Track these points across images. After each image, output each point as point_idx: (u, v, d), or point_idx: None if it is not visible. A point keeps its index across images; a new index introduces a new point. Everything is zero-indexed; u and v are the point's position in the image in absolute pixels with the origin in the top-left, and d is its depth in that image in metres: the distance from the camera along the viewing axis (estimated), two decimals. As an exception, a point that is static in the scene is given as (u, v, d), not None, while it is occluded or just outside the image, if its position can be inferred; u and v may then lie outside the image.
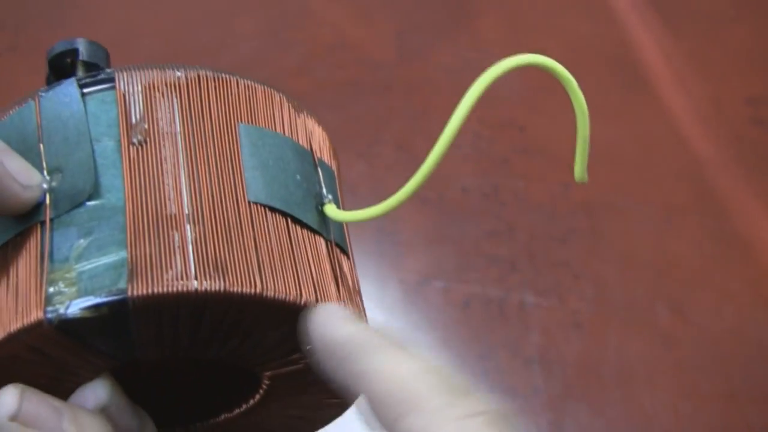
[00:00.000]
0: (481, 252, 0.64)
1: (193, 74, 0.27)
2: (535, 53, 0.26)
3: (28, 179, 0.25)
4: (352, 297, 0.28)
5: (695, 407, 0.58)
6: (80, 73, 0.29)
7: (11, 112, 0.27)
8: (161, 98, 0.26)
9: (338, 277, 0.27)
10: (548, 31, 0.80)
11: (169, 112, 0.26)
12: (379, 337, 0.24)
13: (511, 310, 0.61)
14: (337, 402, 0.30)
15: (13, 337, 0.23)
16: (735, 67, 0.78)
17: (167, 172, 0.25)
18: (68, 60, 0.29)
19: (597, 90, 0.76)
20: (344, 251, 0.28)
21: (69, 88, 0.26)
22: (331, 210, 0.27)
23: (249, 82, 0.28)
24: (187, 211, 0.24)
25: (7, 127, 0.26)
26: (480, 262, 0.64)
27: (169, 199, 0.25)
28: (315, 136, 0.30)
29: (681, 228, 0.67)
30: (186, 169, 0.25)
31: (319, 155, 0.29)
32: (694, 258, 0.65)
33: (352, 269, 0.29)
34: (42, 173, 0.25)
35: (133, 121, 0.26)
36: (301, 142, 0.28)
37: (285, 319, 0.25)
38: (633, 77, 0.77)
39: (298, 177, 0.27)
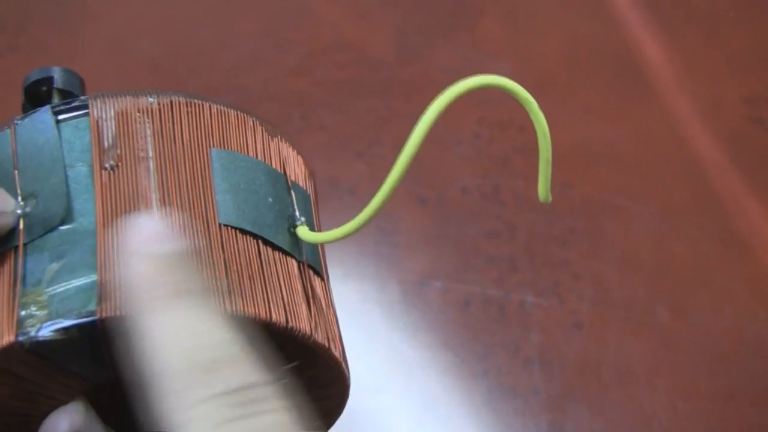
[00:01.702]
0: (481, 252, 0.64)
1: (165, 100, 0.27)
2: (494, 75, 0.26)
3: (2, 206, 0.25)
4: (325, 317, 0.28)
5: (695, 407, 0.58)
6: (55, 100, 0.30)
7: None
8: (134, 124, 0.27)
9: (309, 297, 0.27)
10: (548, 31, 0.80)
11: (142, 138, 0.26)
12: (155, 287, 0.22)
13: (511, 311, 0.61)
14: (318, 424, 0.30)
15: None
16: (734, 67, 0.78)
17: (139, 196, 0.25)
18: (44, 88, 0.30)
19: (597, 90, 0.76)
20: (317, 272, 0.29)
21: (44, 115, 0.27)
22: (303, 232, 0.28)
23: (222, 107, 0.28)
24: None
25: None
26: (480, 262, 0.64)
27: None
28: (289, 159, 0.30)
29: (681, 228, 0.67)
30: (157, 192, 0.26)
31: (293, 179, 0.29)
32: (694, 258, 0.65)
33: (325, 290, 0.29)
34: (16, 199, 0.25)
35: (106, 146, 0.26)
36: (274, 165, 0.29)
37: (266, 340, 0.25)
38: (633, 77, 0.77)
39: (270, 200, 0.27)
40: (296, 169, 0.30)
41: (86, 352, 0.25)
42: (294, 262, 0.27)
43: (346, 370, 0.29)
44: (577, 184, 0.69)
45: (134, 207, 0.25)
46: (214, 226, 0.26)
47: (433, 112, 0.26)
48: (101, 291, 0.24)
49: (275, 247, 0.27)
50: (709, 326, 0.62)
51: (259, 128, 0.29)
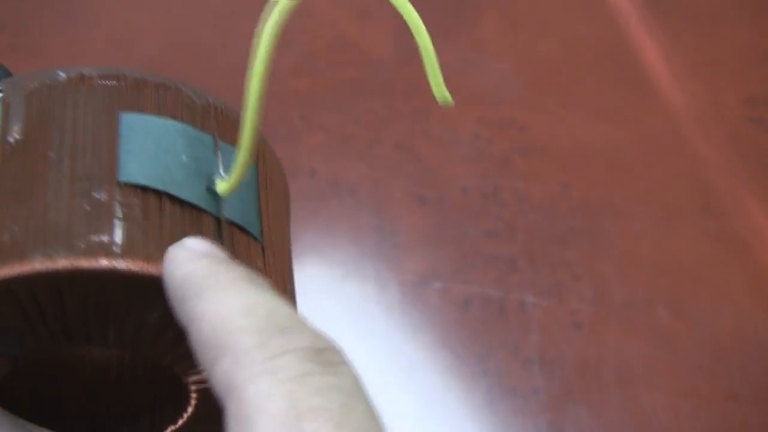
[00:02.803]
0: (481, 252, 0.64)
1: (77, 72, 0.27)
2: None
3: None
4: None
5: (695, 407, 0.58)
6: None
7: None
8: (40, 99, 0.27)
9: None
10: (548, 31, 0.80)
11: (48, 112, 0.27)
12: (216, 274, 0.22)
13: (511, 311, 0.61)
14: None
15: None
16: (734, 67, 0.78)
17: (37, 167, 0.25)
18: None
19: (597, 90, 0.76)
20: (245, 230, 0.28)
21: None
22: (221, 186, 0.27)
23: (139, 76, 0.28)
24: (50, 194, 0.25)
25: None
26: (480, 262, 0.64)
27: (35, 182, 0.25)
28: (223, 127, 0.30)
29: (681, 228, 0.67)
30: (62, 161, 0.26)
31: (223, 141, 0.29)
32: (694, 258, 0.65)
33: (250, 247, 0.28)
34: None
35: (13, 122, 0.26)
36: (199, 128, 0.28)
37: (157, 298, 0.24)
38: (633, 77, 0.77)
39: (184, 157, 0.27)
40: (233, 136, 0.29)
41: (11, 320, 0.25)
42: (209, 218, 0.27)
43: None
44: (577, 184, 0.69)
45: (35, 175, 0.25)
46: (113, 184, 0.25)
47: (271, 29, 0.28)
48: None
49: (183, 203, 0.26)
50: (709, 326, 0.62)
51: (185, 96, 0.29)
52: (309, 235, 0.65)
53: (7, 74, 0.32)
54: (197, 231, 0.26)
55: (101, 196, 0.25)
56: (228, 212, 0.27)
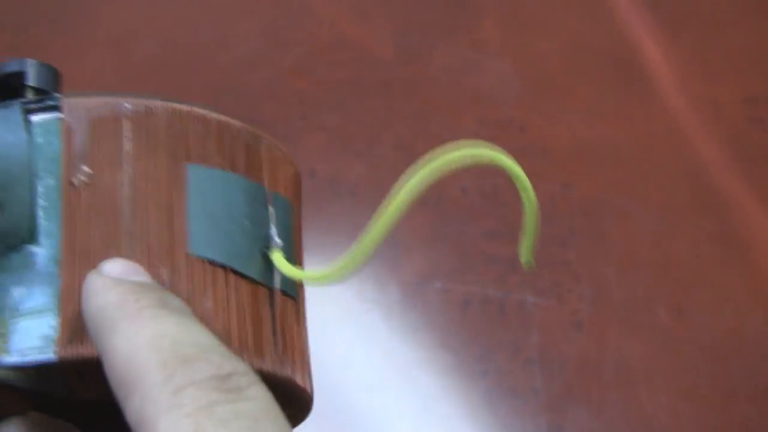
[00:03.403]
0: (481, 252, 0.64)
1: (142, 105, 0.25)
2: (481, 148, 0.25)
3: None
4: (293, 343, 0.27)
5: (695, 407, 0.58)
6: (29, 96, 0.27)
7: None
8: (106, 133, 0.25)
9: (277, 329, 0.26)
10: (548, 31, 0.80)
11: (114, 150, 0.25)
12: (125, 304, 0.22)
13: (511, 311, 0.61)
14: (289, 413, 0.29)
15: None
16: (734, 67, 0.78)
17: (106, 221, 0.24)
18: (17, 81, 0.27)
19: (596, 90, 0.76)
20: (289, 294, 0.27)
21: (14, 113, 0.25)
22: (278, 260, 0.26)
23: (203, 111, 0.26)
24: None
25: None
26: (480, 262, 0.64)
27: (106, 251, 0.24)
28: (273, 163, 0.28)
29: (681, 228, 0.67)
30: (127, 216, 0.24)
31: (273, 188, 0.28)
32: (694, 258, 0.65)
33: (299, 316, 0.28)
34: None
35: (76, 157, 0.24)
36: (255, 174, 0.27)
37: None
38: (633, 77, 0.77)
39: (246, 222, 0.26)
40: (279, 174, 0.28)
41: (42, 384, 0.24)
42: (264, 290, 0.26)
43: (309, 391, 0.28)
44: (577, 184, 0.69)
45: (101, 234, 0.24)
46: (181, 256, 0.24)
47: (415, 184, 0.26)
48: (62, 330, 0.23)
49: (245, 278, 0.25)
50: (709, 326, 0.62)
51: (242, 134, 0.27)
52: (309, 235, 0.65)
53: (57, 76, 0.27)
54: (253, 303, 0.25)
55: (170, 268, 0.24)
56: (279, 281, 0.27)
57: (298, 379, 0.27)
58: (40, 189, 0.24)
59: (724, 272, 0.65)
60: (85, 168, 0.24)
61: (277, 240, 0.26)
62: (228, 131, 0.27)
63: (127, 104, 0.25)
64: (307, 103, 0.73)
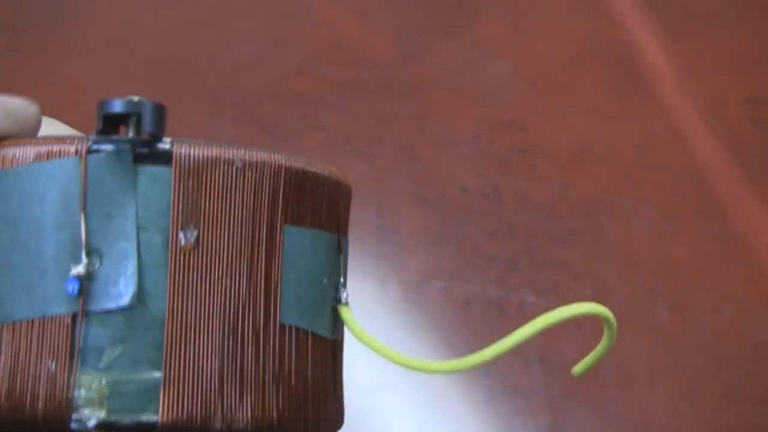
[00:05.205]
0: (481, 252, 0.64)
1: (253, 161, 0.24)
2: (587, 303, 0.26)
3: (20, 99, 0.23)
4: (342, 386, 0.27)
5: (695, 407, 0.58)
6: (131, 133, 0.24)
7: (49, 150, 0.23)
8: (215, 191, 0.23)
9: (336, 379, 0.26)
10: (548, 31, 0.80)
11: (221, 210, 0.23)
12: None
13: (511, 310, 0.61)
14: None
15: (35, 418, 0.22)
16: (734, 68, 0.78)
17: (213, 284, 0.23)
18: (126, 120, 0.25)
19: (597, 90, 0.76)
20: (342, 338, 0.27)
21: (123, 155, 0.23)
22: (348, 318, 0.26)
23: (301, 167, 0.25)
24: (224, 332, 0.23)
25: (44, 175, 0.23)
26: (480, 262, 0.64)
27: (211, 318, 0.23)
28: (345, 205, 0.27)
29: (681, 228, 0.67)
30: (230, 279, 0.23)
31: (343, 232, 0.27)
32: (694, 258, 0.65)
33: (341, 351, 0.28)
34: (79, 251, 0.22)
35: (185, 214, 0.23)
36: (332, 227, 0.26)
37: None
38: (633, 77, 0.77)
39: (325, 280, 0.25)
40: (346, 213, 0.28)
41: None
42: (329, 342, 0.26)
43: (341, 422, 0.28)
44: (577, 184, 0.69)
45: (207, 298, 0.23)
46: (275, 324, 0.24)
47: (521, 335, 0.25)
48: (164, 394, 0.22)
49: (320, 338, 0.25)
50: (709, 326, 0.62)
51: (327, 184, 0.27)
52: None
53: (160, 112, 0.24)
54: (323, 358, 0.25)
55: (261, 334, 0.23)
56: (340, 331, 0.26)
57: (340, 420, 0.27)
58: (144, 243, 0.22)
59: (724, 272, 0.65)
60: (193, 227, 0.23)
61: (346, 296, 0.26)
62: (319, 184, 0.26)
63: (239, 161, 0.24)
64: (307, 103, 0.73)
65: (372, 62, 0.77)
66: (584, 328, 0.61)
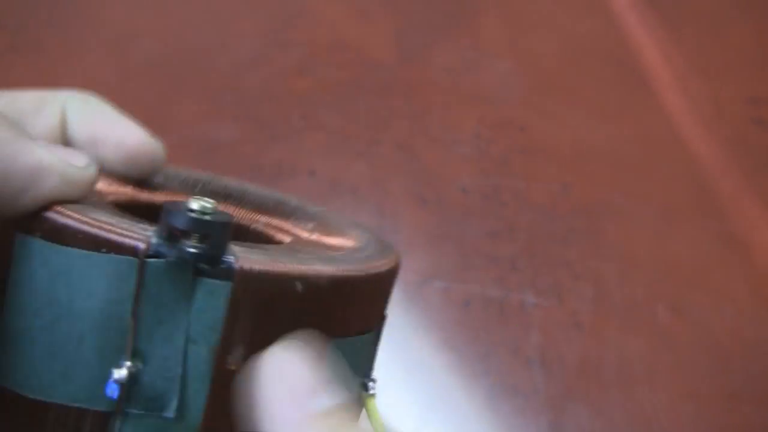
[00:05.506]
0: (481, 252, 0.64)
1: (313, 283, 0.23)
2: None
3: (80, 160, 0.23)
4: None
5: (695, 407, 0.58)
6: (199, 248, 0.23)
7: (107, 240, 0.22)
8: (271, 315, 0.22)
9: None
10: (548, 30, 0.80)
11: (273, 336, 0.22)
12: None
13: (511, 310, 0.61)
14: None
15: None
16: (735, 67, 0.78)
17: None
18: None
19: (597, 90, 0.76)
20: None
21: (184, 267, 0.22)
22: (373, 410, 0.25)
23: (360, 273, 0.25)
24: None
25: (98, 267, 0.22)
26: (480, 262, 0.64)
27: None
28: (391, 287, 0.27)
29: (681, 228, 0.67)
30: None
31: (379, 323, 0.27)
32: (694, 258, 0.65)
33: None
34: (124, 353, 0.21)
35: (236, 336, 0.22)
36: (374, 322, 0.26)
37: None
38: (633, 77, 0.77)
39: (359, 378, 0.25)
40: (390, 292, 0.27)
41: None
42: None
43: None
44: (577, 184, 0.69)
45: (244, 417, 0.21)
46: None
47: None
48: None
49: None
50: (709, 326, 0.62)
51: (384, 277, 0.26)
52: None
53: (227, 229, 0.22)
54: None
55: None
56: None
57: None
58: (191, 355, 0.22)
59: (724, 272, 0.65)
60: (242, 347, 0.22)
61: (373, 386, 0.25)
62: (371, 282, 0.25)
63: (299, 284, 0.23)
64: (307, 103, 0.73)
65: (372, 62, 0.77)
66: (584, 328, 0.61)
